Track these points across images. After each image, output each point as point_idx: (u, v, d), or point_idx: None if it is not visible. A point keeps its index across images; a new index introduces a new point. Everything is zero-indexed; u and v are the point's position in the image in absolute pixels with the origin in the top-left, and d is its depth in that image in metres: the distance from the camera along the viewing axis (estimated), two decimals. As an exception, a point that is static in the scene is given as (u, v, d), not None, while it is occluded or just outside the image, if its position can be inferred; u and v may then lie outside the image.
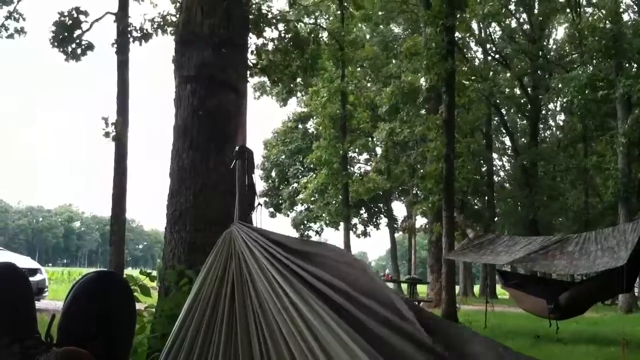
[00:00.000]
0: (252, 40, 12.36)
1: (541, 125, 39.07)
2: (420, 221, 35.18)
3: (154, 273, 4.64)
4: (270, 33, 13.20)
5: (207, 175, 5.14)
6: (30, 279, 2.04)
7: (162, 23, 13.16)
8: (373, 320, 1.88)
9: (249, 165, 2.67)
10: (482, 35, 35.44)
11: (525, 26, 35.21)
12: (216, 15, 5.29)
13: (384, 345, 1.82)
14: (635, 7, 25.94)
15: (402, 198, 38.62)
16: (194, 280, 4.00)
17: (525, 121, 38.07)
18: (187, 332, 2.29)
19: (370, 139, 34.58)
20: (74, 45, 13.14)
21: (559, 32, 40.48)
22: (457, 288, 27.03)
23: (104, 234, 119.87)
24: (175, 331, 2.34)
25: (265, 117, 32.87)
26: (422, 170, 21.05)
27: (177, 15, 13.02)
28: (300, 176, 38.48)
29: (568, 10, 31.19)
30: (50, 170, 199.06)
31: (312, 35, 16.39)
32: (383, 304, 1.91)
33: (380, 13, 29.87)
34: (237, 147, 2.69)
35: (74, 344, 1.83)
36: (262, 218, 2.68)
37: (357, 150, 36.05)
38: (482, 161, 35.03)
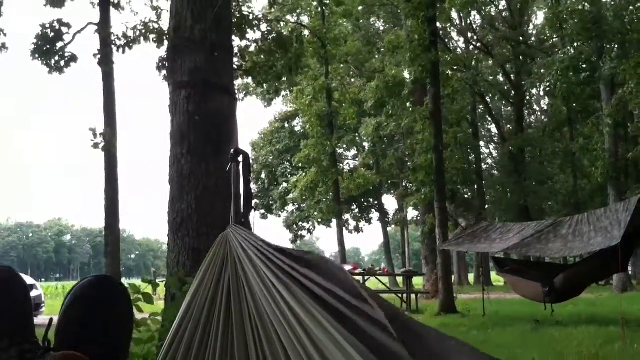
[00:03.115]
0: (235, 43, 12.39)
1: (526, 111, 39.25)
2: (412, 213, 35.36)
3: (158, 281, 4.60)
4: (252, 34, 13.23)
5: (207, 179, 5.14)
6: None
7: (144, 30, 13.12)
8: (364, 321, 1.89)
9: (245, 168, 2.66)
10: (463, 24, 35.57)
11: (505, 13, 35.37)
12: (207, 20, 5.28)
13: (378, 346, 1.83)
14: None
15: (393, 191, 38.70)
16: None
17: (510, 108, 38.26)
18: (183, 335, 2.28)
19: (357, 134, 34.62)
20: (57, 58, 13.09)
21: (539, 17, 40.67)
22: (453, 278, 27.14)
23: (95, 246, 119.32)
24: (171, 335, 2.34)
25: (249, 117, 32.93)
26: (410, 163, 21.11)
27: (159, 22, 13.03)
28: (289, 175, 38.46)
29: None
30: (37, 184, 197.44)
31: (295, 34, 16.40)
32: (365, 304, 1.93)
33: (360, 8, 29.92)
34: (232, 150, 2.68)
35: (72, 348, 1.83)
36: (254, 221, 2.68)
37: (345, 146, 36.11)
38: (469, 150, 35.16)
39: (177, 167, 5.26)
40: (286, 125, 40.52)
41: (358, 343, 1.80)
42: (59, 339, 1.93)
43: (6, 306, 1.83)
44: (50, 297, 26.40)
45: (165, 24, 12.35)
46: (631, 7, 22.57)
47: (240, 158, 2.64)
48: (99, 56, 12.79)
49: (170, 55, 5.54)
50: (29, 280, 13.14)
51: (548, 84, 26.29)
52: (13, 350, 1.75)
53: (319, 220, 35.30)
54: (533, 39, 36.22)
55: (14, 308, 1.85)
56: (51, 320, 1.93)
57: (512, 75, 34.98)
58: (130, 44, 13.23)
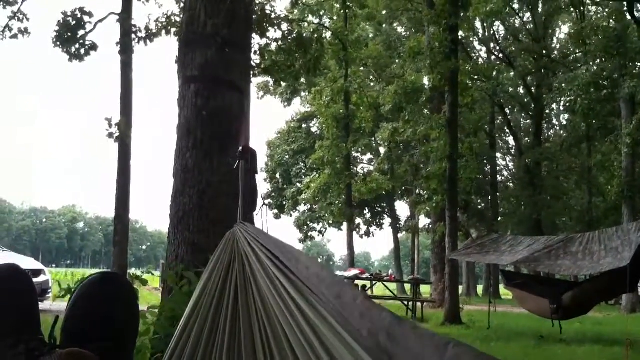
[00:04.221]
0: (256, 41, 12.41)
1: (545, 125, 39.02)
2: (424, 221, 35.22)
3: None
4: (273, 33, 13.24)
5: (211, 175, 5.12)
6: (34, 280, 2.04)
7: (166, 23, 13.19)
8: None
9: (252, 166, 2.65)
10: (486, 34, 35.43)
11: (529, 25, 35.18)
12: (220, 15, 5.27)
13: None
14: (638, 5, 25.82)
15: (406, 198, 38.61)
16: (193, 281, 3.99)
17: (529, 120, 38.05)
18: (190, 333, 2.28)
19: (373, 139, 34.57)
20: (77, 46, 13.19)
21: (563, 30, 40.42)
22: (461, 288, 27.00)
23: (107, 235, 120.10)
24: (178, 332, 2.33)
25: (269, 117, 32.98)
26: (424, 171, 21.01)
27: (181, 16, 13.09)
28: (303, 176, 38.46)
29: (572, 8, 31.15)
30: (53, 170, 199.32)
31: (316, 35, 16.40)
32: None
33: (383, 12, 29.89)
34: (240, 147, 2.67)
35: (78, 346, 1.82)
36: (267, 219, 2.67)
37: (360, 150, 36.05)
38: (485, 161, 34.98)
39: (181, 161, 5.25)
40: (303, 125, 40.53)
41: (362, 339, 1.79)
42: (64, 336, 1.92)
43: (11, 304, 1.84)
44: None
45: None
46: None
47: (248, 156, 2.63)
48: (119, 45, 12.87)
49: (181, 49, 5.54)
50: (37, 265, 13.20)
51: (568, 99, 26.09)
52: (21, 347, 1.75)
53: (330, 222, 35.27)
54: (556, 52, 35.99)
55: (19, 306, 1.86)
56: (57, 317, 1.92)
57: (532, 88, 34.77)
58: (152, 37, 13.33)
